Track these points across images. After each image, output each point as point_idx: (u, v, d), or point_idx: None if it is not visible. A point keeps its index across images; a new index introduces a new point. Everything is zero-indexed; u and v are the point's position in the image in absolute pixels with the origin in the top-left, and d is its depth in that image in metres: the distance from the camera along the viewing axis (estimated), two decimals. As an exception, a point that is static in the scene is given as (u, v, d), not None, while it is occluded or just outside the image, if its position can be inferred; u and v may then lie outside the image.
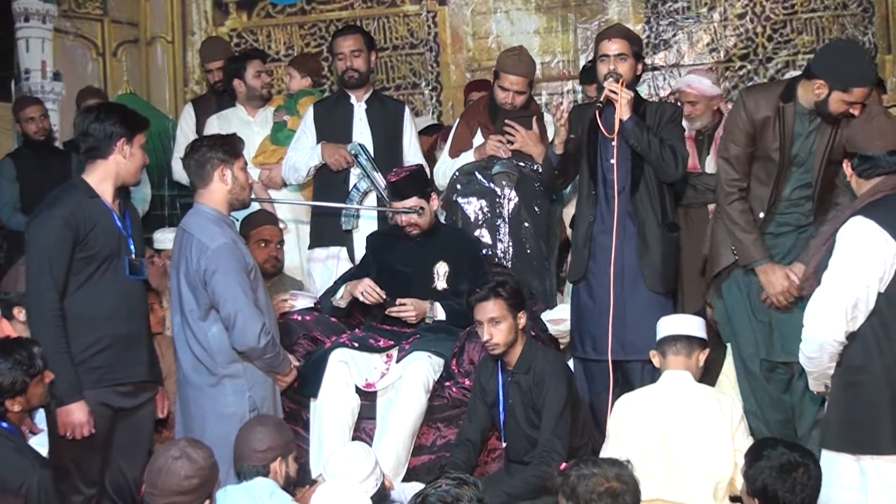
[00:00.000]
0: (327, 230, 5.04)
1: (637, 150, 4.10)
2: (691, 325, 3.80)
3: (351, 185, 4.90)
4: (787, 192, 3.89)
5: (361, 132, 5.02)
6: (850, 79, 3.66)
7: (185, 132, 5.78)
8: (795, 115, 3.82)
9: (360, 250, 4.80)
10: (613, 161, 4.11)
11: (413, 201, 4.43)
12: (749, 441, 3.56)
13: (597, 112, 4.11)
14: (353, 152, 4.86)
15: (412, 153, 5.10)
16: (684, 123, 5.01)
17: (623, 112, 4.03)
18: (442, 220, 4.89)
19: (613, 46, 4.12)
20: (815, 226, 3.87)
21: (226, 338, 3.71)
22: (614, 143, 4.10)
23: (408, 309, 4.37)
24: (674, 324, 3.80)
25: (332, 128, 5.02)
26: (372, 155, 4.92)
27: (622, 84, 4.04)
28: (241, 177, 3.83)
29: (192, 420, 3.75)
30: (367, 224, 4.90)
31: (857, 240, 2.98)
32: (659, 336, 3.79)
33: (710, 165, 5.04)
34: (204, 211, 3.77)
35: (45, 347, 3.40)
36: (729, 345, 4.07)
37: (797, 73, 4.68)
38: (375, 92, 5.22)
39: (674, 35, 6.36)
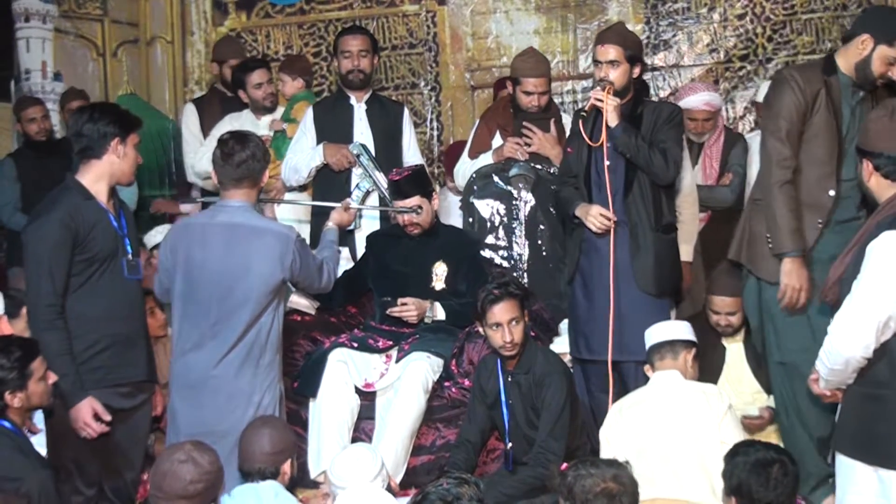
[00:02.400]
0: (328, 230, 5.03)
1: (627, 157, 4.10)
2: (672, 330, 3.80)
3: (353, 186, 4.91)
4: (844, 171, 3.78)
5: (362, 132, 5.01)
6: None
7: (194, 132, 5.75)
8: (840, 87, 3.79)
9: (361, 250, 4.79)
10: (608, 163, 4.11)
11: (415, 200, 4.43)
12: (738, 434, 3.54)
13: (580, 121, 4.13)
14: (355, 152, 4.85)
15: (411, 154, 5.10)
16: (693, 139, 5.00)
17: (610, 119, 4.04)
18: (459, 222, 4.89)
19: (608, 53, 4.10)
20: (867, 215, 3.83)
21: (277, 324, 3.80)
22: (605, 147, 4.09)
23: (409, 308, 4.38)
24: (655, 333, 3.81)
25: (333, 129, 5.00)
26: (374, 155, 4.92)
27: (608, 91, 4.03)
28: None
29: (218, 414, 3.71)
30: (369, 224, 4.89)
31: (891, 255, 2.89)
32: (646, 348, 3.81)
33: (699, 176, 5.02)
34: (247, 205, 3.81)
35: (47, 350, 3.39)
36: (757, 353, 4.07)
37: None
38: (374, 93, 5.21)
39: (674, 35, 6.36)
